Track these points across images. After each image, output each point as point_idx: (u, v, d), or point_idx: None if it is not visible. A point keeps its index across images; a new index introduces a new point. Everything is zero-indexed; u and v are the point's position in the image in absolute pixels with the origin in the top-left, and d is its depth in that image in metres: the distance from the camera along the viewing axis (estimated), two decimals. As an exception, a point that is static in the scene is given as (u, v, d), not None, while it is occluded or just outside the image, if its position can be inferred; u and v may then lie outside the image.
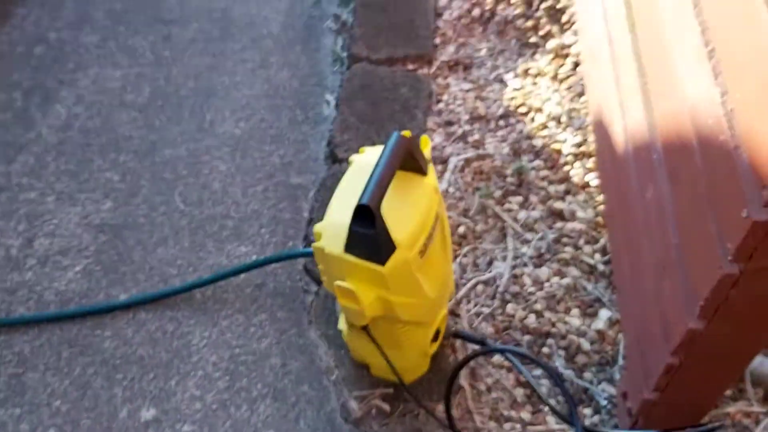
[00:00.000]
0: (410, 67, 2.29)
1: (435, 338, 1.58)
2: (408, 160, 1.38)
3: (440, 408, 1.58)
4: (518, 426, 1.56)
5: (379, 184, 1.27)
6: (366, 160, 1.42)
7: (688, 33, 1.08)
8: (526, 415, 1.58)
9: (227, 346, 1.71)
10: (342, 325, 1.60)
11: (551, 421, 1.56)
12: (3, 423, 1.59)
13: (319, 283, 1.82)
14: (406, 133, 1.36)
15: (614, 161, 1.65)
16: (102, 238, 1.92)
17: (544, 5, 2.37)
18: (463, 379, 1.63)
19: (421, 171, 1.40)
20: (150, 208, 1.98)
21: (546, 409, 1.58)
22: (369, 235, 1.27)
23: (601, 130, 1.80)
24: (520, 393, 1.61)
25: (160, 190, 2.03)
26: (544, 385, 1.62)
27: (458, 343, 1.70)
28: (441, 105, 2.19)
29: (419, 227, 1.35)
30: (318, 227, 1.36)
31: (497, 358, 1.67)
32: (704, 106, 1.00)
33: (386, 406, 1.60)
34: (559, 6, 2.35)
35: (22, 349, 1.71)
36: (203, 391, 1.64)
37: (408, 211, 1.36)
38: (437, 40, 2.37)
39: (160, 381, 1.65)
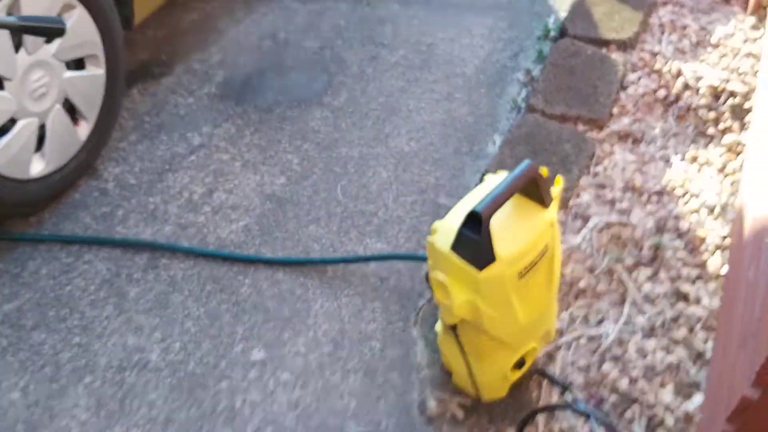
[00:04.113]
0: (580, 128, 2.40)
1: (519, 366, 1.66)
2: (532, 189, 1.50)
3: (509, 432, 1.65)
4: (577, 472, 1.60)
5: (495, 199, 1.41)
6: (496, 179, 1.56)
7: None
8: (588, 465, 1.61)
9: (340, 319, 1.90)
10: (438, 326, 1.73)
11: (611, 477, 1.58)
12: (141, 326, 1.88)
13: (435, 292, 1.96)
14: (543, 169, 1.49)
15: (738, 248, 1.65)
16: (268, 205, 2.20)
17: (731, 101, 2.38)
18: (540, 414, 1.69)
19: (543, 202, 1.51)
20: (314, 192, 2.24)
21: (610, 466, 1.60)
22: (474, 239, 1.41)
23: (737, 223, 1.81)
24: (589, 444, 1.65)
25: (327, 180, 2.28)
26: (616, 445, 1.64)
27: (545, 382, 1.76)
28: (599, 168, 2.27)
29: (524, 251, 1.47)
30: (436, 224, 1.52)
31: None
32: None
33: (460, 414, 1.70)
34: (746, 106, 2.35)
35: (176, 274, 2.01)
36: (308, 350, 1.83)
37: (519, 233, 1.48)
38: (614, 110, 2.46)
39: (277, 332, 1.88)
